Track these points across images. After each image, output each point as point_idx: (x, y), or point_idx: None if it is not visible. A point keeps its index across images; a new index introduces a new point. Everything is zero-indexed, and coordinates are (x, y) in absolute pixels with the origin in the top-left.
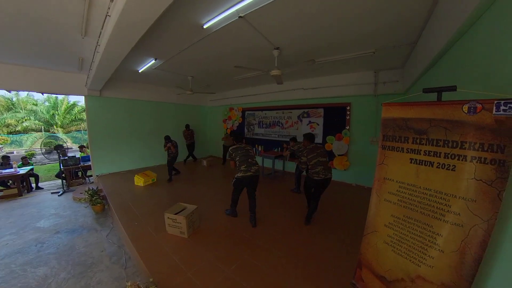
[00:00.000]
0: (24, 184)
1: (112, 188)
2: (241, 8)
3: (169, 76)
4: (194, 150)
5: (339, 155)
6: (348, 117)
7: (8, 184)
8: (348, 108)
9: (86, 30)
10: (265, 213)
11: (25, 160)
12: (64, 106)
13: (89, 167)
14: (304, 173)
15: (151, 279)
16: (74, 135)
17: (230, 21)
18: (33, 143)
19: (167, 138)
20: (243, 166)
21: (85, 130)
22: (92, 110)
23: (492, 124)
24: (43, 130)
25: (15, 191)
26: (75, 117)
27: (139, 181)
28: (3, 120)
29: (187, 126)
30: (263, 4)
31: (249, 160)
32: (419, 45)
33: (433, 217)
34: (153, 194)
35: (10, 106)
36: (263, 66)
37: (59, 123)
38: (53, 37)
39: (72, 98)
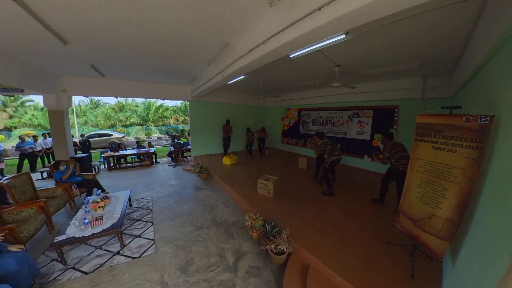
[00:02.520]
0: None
1: (208, 164)
2: (319, 46)
3: (246, 85)
4: (229, 144)
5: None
6: (395, 118)
7: (142, 158)
8: (396, 110)
9: (212, 62)
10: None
11: (149, 145)
12: (153, 107)
13: (186, 150)
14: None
15: (257, 214)
16: (161, 128)
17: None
18: (137, 133)
19: (249, 129)
20: (336, 153)
21: (170, 124)
22: (193, 110)
23: (477, 128)
24: (143, 124)
25: (148, 162)
26: (161, 115)
27: (226, 160)
28: (118, 117)
29: (227, 121)
30: (335, 44)
31: (338, 148)
32: (464, 55)
33: (443, 179)
34: (237, 170)
35: (122, 108)
36: (324, 77)
37: (151, 119)
38: (187, 66)
39: (160, 101)
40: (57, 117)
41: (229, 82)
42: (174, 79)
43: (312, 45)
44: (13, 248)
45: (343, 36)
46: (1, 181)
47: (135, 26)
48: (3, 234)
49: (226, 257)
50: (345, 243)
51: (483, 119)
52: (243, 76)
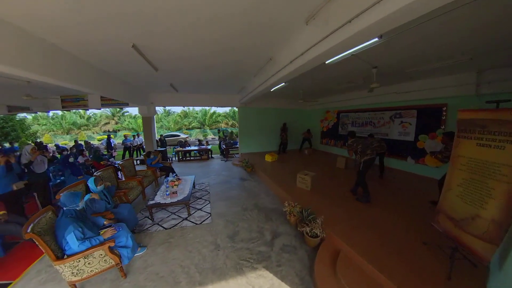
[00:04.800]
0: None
1: (253, 160)
2: (354, 50)
3: (287, 91)
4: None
5: (431, 152)
6: (444, 117)
7: (201, 153)
8: (444, 109)
9: (257, 74)
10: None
11: (207, 143)
12: (209, 114)
13: (234, 148)
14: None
15: (296, 202)
16: (214, 131)
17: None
18: (196, 134)
19: (282, 129)
20: (368, 151)
21: (221, 128)
22: (241, 115)
23: None
24: (201, 127)
25: (206, 157)
26: (214, 120)
27: (268, 158)
28: (183, 122)
29: (284, 124)
30: (371, 46)
31: (371, 146)
32: None
33: (489, 178)
34: (278, 166)
35: (185, 115)
36: (362, 79)
37: (207, 123)
38: (238, 79)
39: (213, 109)
40: (148, 122)
41: (272, 89)
42: (226, 90)
43: (346, 52)
44: None
45: (377, 39)
46: (116, 164)
47: (207, 55)
48: (123, 192)
49: (265, 234)
50: (378, 238)
51: None
52: (284, 84)
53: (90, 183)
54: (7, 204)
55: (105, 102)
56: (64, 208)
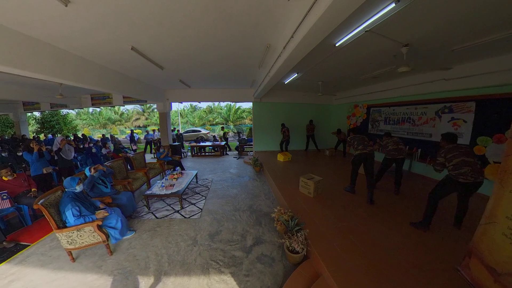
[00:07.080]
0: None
1: (264, 159)
2: (367, 25)
3: (303, 83)
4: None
5: (495, 162)
6: None
7: (215, 149)
8: None
9: (261, 65)
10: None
11: (221, 139)
12: (233, 109)
13: (248, 145)
14: None
15: (289, 210)
16: (238, 127)
17: (358, 36)
18: (219, 130)
19: (283, 125)
20: (360, 147)
21: (245, 124)
22: (256, 111)
23: None
24: (225, 123)
25: (218, 153)
26: (238, 116)
27: (280, 157)
28: (207, 118)
29: (311, 121)
30: (387, 17)
31: (365, 143)
32: None
33: None
34: (288, 167)
35: (210, 110)
36: (390, 63)
37: (231, 119)
38: (244, 72)
39: (237, 104)
40: (163, 117)
41: (286, 82)
42: (238, 84)
43: (358, 26)
44: None
45: (393, 5)
46: (131, 155)
47: (203, 49)
48: (127, 181)
49: (247, 239)
50: (376, 269)
51: None
52: (296, 74)
53: (86, 169)
54: (38, 183)
55: (127, 99)
56: (66, 190)
